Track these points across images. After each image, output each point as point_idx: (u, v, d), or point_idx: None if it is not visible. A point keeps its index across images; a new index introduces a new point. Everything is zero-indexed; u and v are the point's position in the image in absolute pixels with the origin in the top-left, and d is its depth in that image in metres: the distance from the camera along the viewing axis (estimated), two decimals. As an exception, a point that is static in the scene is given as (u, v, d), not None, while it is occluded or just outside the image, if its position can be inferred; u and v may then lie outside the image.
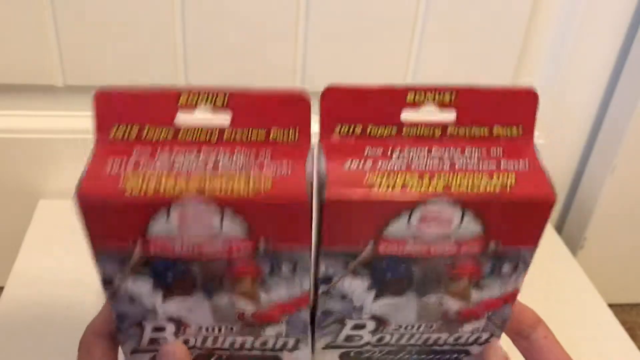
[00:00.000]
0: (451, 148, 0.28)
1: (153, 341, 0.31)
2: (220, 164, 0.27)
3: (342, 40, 0.55)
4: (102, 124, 0.28)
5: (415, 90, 0.28)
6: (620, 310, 0.69)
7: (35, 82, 0.54)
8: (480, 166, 0.27)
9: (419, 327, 0.31)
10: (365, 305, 0.30)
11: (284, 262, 0.28)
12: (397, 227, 0.27)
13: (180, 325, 0.30)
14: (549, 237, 0.62)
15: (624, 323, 0.52)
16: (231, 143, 0.28)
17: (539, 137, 0.63)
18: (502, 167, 0.28)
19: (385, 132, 0.28)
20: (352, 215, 0.26)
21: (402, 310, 0.30)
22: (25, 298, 0.48)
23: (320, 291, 0.29)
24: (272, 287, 0.29)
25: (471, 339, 0.32)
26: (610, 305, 0.54)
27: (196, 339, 0.31)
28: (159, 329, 0.30)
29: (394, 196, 0.26)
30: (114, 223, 0.26)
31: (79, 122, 0.55)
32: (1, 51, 0.52)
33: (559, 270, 0.57)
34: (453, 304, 0.30)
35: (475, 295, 0.30)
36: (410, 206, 0.26)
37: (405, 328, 0.31)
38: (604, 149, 0.64)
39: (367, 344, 0.32)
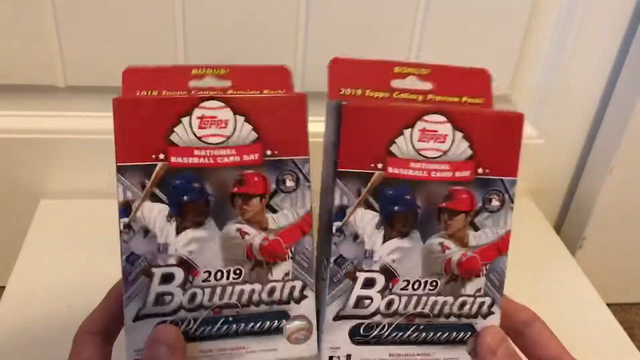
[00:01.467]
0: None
1: (159, 299, 0.32)
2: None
3: (342, 42, 0.55)
4: (127, 91, 0.34)
5: (401, 64, 0.36)
6: (619, 309, 0.69)
7: (36, 82, 0.54)
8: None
9: (425, 285, 0.34)
10: (375, 250, 0.33)
11: (287, 173, 0.33)
12: (402, 143, 0.33)
13: (189, 271, 0.32)
14: (548, 237, 0.63)
15: (622, 322, 0.52)
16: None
17: (539, 138, 0.64)
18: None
19: (380, 95, 0.36)
20: (365, 124, 0.32)
21: (409, 257, 0.34)
22: (26, 297, 0.48)
23: (334, 229, 0.33)
24: (278, 206, 0.33)
25: (475, 307, 0.35)
26: (609, 305, 0.54)
27: (204, 292, 0.32)
28: (168, 279, 0.32)
29: (399, 106, 0.34)
30: (142, 127, 0.32)
31: (81, 122, 0.55)
32: (2, 52, 0.52)
33: (557, 270, 0.58)
34: (453, 251, 0.34)
35: (472, 240, 0.34)
36: (414, 115, 0.33)
37: (414, 286, 0.34)
38: (603, 149, 0.64)
39: (377, 312, 0.34)
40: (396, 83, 0.36)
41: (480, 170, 0.34)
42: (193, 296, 0.32)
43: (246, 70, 0.36)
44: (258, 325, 0.33)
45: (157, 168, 0.32)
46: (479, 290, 0.35)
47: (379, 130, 0.33)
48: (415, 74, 0.36)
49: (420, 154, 0.33)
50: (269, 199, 0.33)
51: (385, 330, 0.34)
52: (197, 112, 0.32)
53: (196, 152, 0.32)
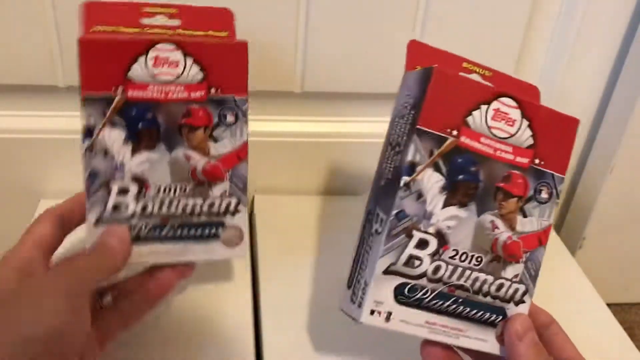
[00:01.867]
0: None
1: (116, 208, 0.38)
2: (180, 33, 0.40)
3: (341, 43, 0.55)
4: (87, 25, 0.39)
5: (468, 60, 0.41)
6: (619, 309, 0.69)
7: (36, 82, 0.54)
8: None
9: (471, 259, 0.36)
10: (434, 213, 0.35)
11: (228, 109, 0.39)
12: (477, 117, 0.35)
13: (141, 186, 0.38)
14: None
15: (622, 322, 0.52)
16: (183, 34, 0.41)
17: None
18: None
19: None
20: (449, 91, 0.35)
21: (462, 227, 0.36)
22: (26, 297, 0.48)
23: (401, 182, 0.35)
24: (220, 136, 0.39)
25: (510, 292, 0.36)
26: (609, 305, 0.54)
27: (154, 203, 0.38)
28: (124, 191, 0.38)
29: (482, 83, 0.37)
30: (104, 64, 0.36)
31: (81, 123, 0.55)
32: (3, 52, 0.52)
33: (558, 270, 0.58)
34: (502, 232, 0.36)
35: (520, 225, 0.37)
36: (492, 93, 0.36)
37: (461, 257, 0.35)
38: (603, 149, 0.64)
39: (424, 275, 0.35)
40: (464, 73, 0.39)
41: (536, 161, 0.37)
42: (145, 206, 0.38)
43: (194, 11, 0.41)
44: (199, 231, 0.39)
45: (117, 99, 0.37)
46: (516, 276, 0.36)
47: (460, 99, 0.35)
48: (479, 73, 0.40)
49: (491, 131, 0.36)
50: (211, 130, 0.39)
51: (427, 295, 0.35)
52: (151, 53, 0.37)
53: (150, 87, 0.37)
